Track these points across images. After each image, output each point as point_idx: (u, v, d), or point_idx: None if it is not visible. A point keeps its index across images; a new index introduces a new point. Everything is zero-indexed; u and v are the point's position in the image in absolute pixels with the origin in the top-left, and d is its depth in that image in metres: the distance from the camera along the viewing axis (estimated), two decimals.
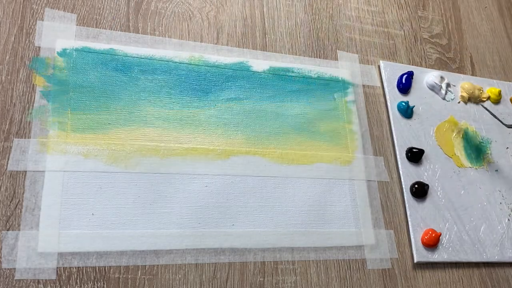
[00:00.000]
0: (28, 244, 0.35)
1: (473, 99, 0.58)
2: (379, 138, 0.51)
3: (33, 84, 0.40)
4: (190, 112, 0.44)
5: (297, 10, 0.55)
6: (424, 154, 0.51)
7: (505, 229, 0.51)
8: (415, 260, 0.46)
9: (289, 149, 0.46)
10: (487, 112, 0.57)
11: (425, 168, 0.51)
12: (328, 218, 0.45)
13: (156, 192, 0.40)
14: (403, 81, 0.54)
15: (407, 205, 0.48)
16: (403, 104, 0.53)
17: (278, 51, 0.51)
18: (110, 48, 0.44)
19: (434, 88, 0.56)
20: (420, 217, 0.48)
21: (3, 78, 0.40)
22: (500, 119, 0.48)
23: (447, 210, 0.49)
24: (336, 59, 0.53)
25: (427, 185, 0.49)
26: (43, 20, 0.43)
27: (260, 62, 0.49)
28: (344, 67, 0.53)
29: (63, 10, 0.44)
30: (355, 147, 0.49)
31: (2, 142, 0.38)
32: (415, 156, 0.50)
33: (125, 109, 0.42)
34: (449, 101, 0.56)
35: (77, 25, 0.44)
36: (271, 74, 0.49)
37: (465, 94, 0.57)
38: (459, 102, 0.57)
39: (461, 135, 0.55)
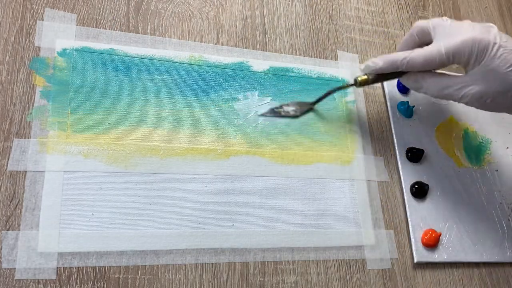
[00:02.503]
0: (28, 244, 0.35)
1: None
2: (379, 138, 0.51)
3: (33, 84, 0.40)
4: (190, 112, 0.44)
5: (297, 10, 0.55)
6: (424, 154, 0.51)
7: (505, 229, 0.51)
8: (415, 260, 0.46)
9: (289, 149, 0.46)
10: (484, 112, 0.58)
11: (425, 168, 0.51)
12: (328, 218, 0.45)
13: (156, 192, 0.40)
14: None
15: (407, 205, 0.48)
16: (403, 104, 0.53)
17: (278, 51, 0.51)
18: (110, 48, 0.44)
19: None
20: (420, 217, 0.48)
21: (3, 78, 0.40)
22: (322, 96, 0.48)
23: (447, 210, 0.49)
24: (336, 59, 0.53)
25: (427, 185, 0.49)
26: (43, 20, 0.43)
27: (260, 62, 0.49)
28: (344, 67, 0.53)
29: (63, 10, 0.44)
30: (355, 147, 0.49)
31: (2, 142, 0.38)
32: (415, 156, 0.50)
33: (125, 109, 0.42)
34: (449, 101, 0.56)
35: (77, 25, 0.44)
36: (271, 74, 0.49)
37: None
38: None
39: (461, 135, 0.55)
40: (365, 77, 0.45)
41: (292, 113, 0.48)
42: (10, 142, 0.38)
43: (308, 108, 0.49)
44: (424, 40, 0.44)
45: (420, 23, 0.44)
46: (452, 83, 0.41)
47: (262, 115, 0.47)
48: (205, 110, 0.45)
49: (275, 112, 0.47)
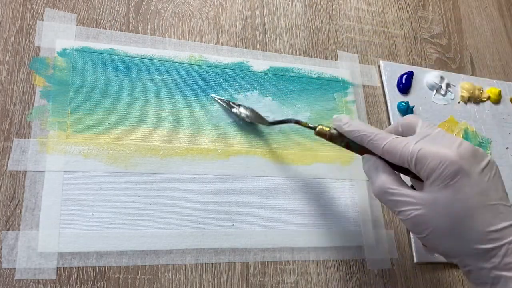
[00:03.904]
0: (28, 244, 0.35)
1: (473, 99, 0.58)
2: None
3: (33, 84, 0.40)
4: (190, 112, 0.44)
5: (297, 10, 0.55)
6: None
7: None
8: (415, 260, 0.46)
9: (289, 149, 0.46)
10: (484, 112, 0.58)
11: None
12: (328, 218, 0.45)
13: (156, 192, 0.40)
14: (403, 81, 0.54)
15: None
16: (403, 104, 0.53)
17: (278, 51, 0.51)
18: (110, 48, 0.44)
19: (434, 88, 0.56)
20: None
21: (3, 78, 0.40)
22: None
23: None
24: (336, 59, 0.53)
25: None
26: (43, 20, 0.43)
27: (260, 62, 0.49)
28: (344, 67, 0.53)
29: (63, 10, 0.44)
30: None
31: (2, 142, 0.38)
32: None
33: (125, 109, 0.42)
34: (449, 101, 0.56)
35: (77, 25, 0.44)
36: (271, 74, 0.49)
37: (465, 94, 0.57)
38: (459, 102, 0.57)
39: (461, 135, 0.55)
40: (327, 129, 0.38)
41: (243, 115, 0.45)
42: (10, 142, 0.38)
43: (261, 122, 0.45)
44: (408, 135, 0.37)
45: (409, 118, 0.37)
46: (400, 193, 0.34)
47: (214, 97, 0.45)
48: (205, 110, 0.45)
49: (229, 105, 0.45)
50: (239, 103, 0.46)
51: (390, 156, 0.35)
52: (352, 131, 0.37)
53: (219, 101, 0.45)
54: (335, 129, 0.38)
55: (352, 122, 0.37)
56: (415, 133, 0.36)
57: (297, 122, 0.42)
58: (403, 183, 0.35)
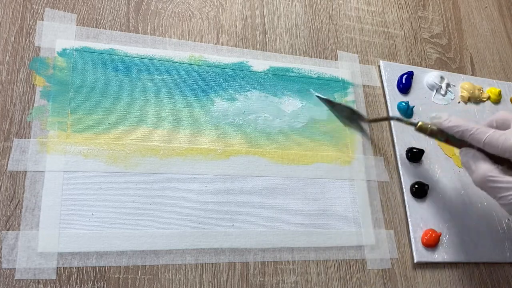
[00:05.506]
0: (28, 244, 0.35)
1: (473, 99, 0.58)
2: (379, 138, 0.51)
3: (33, 84, 0.40)
4: (190, 112, 0.44)
5: (297, 10, 0.55)
6: (424, 154, 0.51)
7: (505, 229, 0.51)
8: (415, 260, 0.46)
9: (289, 149, 0.46)
10: (484, 112, 0.58)
11: (425, 168, 0.51)
12: (328, 218, 0.45)
13: (156, 192, 0.40)
14: (403, 81, 0.54)
15: (407, 205, 0.48)
16: (403, 104, 0.53)
17: (278, 51, 0.51)
18: (110, 48, 0.44)
19: (434, 88, 0.56)
20: (420, 217, 0.48)
21: (3, 78, 0.40)
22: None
23: (447, 210, 0.49)
24: (336, 59, 0.53)
25: (427, 185, 0.49)
26: (43, 20, 0.43)
27: (260, 62, 0.49)
28: (344, 67, 0.53)
29: (63, 10, 0.44)
30: (355, 147, 0.49)
31: (2, 142, 0.38)
32: (415, 156, 0.50)
33: (125, 109, 0.42)
34: (449, 101, 0.56)
35: (77, 25, 0.44)
36: (271, 74, 0.49)
37: (465, 94, 0.57)
38: (459, 102, 0.57)
39: None
40: (427, 126, 0.43)
41: (344, 115, 0.49)
42: (10, 142, 0.38)
43: (360, 120, 0.49)
44: (502, 129, 0.41)
45: (503, 114, 0.41)
46: (501, 180, 0.38)
47: (318, 96, 0.49)
48: (205, 110, 0.45)
49: (331, 102, 0.49)
50: (338, 101, 0.50)
51: (491, 148, 0.39)
52: (452, 127, 0.41)
53: (323, 99, 0.49)
54: (434, 125, 0.42)
55: (451, 118, 0.41)
56: (510, 127, 0.40)
57: (399, 119, 0.46)
58: (502, 171, 0.39)
